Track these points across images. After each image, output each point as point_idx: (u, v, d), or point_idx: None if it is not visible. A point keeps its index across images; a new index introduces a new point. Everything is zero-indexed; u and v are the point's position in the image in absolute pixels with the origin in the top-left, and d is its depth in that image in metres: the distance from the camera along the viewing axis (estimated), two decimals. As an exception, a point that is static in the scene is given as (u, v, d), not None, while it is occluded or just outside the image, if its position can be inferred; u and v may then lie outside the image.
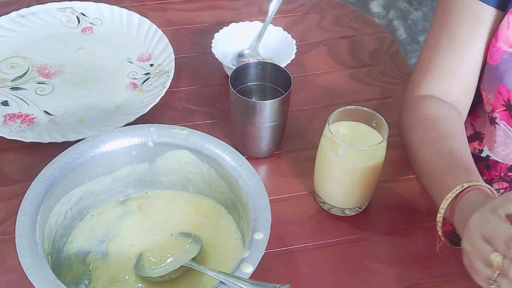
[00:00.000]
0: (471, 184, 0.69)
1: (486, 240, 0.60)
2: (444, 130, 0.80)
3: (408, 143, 0.83)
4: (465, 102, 0.87)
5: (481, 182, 0.70)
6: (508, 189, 0.91)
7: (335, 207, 0.84)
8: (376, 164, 0.79)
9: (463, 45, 0.83)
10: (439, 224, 0.71)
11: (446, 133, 0.79)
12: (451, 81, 0.85)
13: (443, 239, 0.72)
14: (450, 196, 0.69)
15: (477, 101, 0.90)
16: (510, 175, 0.90)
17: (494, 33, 0.81)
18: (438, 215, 0.70)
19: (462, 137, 0.80)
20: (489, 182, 0.93)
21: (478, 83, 0.86)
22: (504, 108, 0.83)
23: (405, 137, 0.84)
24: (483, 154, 0.89)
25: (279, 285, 0.63)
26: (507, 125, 0.84)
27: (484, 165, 0.92)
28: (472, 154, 0.90)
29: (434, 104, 0.84)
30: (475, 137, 0.91)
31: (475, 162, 0.90)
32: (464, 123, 0.90)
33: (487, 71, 0.84)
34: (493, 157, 0.89)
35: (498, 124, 0.85)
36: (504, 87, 0.81)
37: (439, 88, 0.85)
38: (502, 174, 0.91)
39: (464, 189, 0.69)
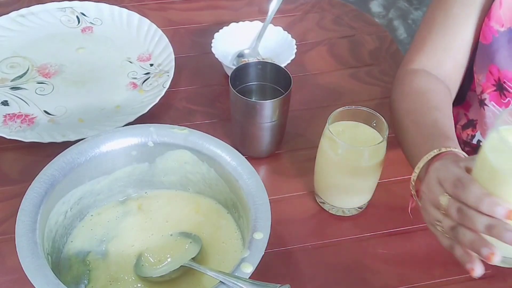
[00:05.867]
0: (448, 149, 0.71)
1: (440, 183, 0.63)
2: (431, 102, 0.82)
3: (396, 112, 0.86)
4: (455, 79, 0.89)
5: (458, 149, 0.72)
6: None
7: (335, 207, 0.84)
8: (376, 164, 0.79)
9: (456, 23, 0.86)
10: (413, 183, 0.72)
11: (432, 104, 0.82)
12: (442, 58, 0.88)
13: (415, 199, 0.73)
14: (427, 157, 0.71)
15: (468, 89, 0.92)
16: None
17: (486, 13, 0.83)
18: (413, 174, 0.72)
19: (447, 110, 0.82)
20: None
21: (471, 65, 0.88)
22: (495, 88, 0.85)
23: (394, 107, 0.87)
24: (474, 140, 0.91)
25: (279, 285, 0.63)
26: (496, 106, 0.86)
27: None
28: (465, 141, 0.91)
29: (425, 77, 0.87)
30: (468, 124, 0.93)
31: (469, 151, 0.91)
32: (458, 114, 0.94)
33: (480, 50, 0.86)
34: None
35: (487, 106, 0.86)
36: (495, 66, 0.83)
37: (431, 63, 0.88)
38: None
39: (441, 152, 0.71)
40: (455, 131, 0.85)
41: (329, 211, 0.85)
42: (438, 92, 0.85)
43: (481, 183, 0.60)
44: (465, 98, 0.93)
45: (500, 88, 0.84)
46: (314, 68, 1.08)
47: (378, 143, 0.77)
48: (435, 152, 0.71)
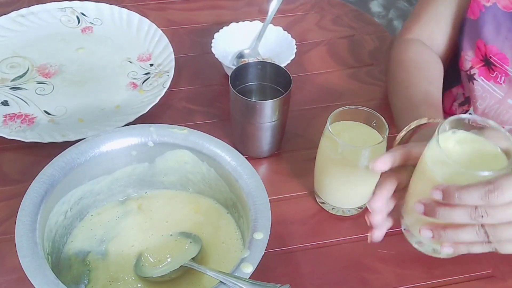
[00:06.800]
0: (433, 120, 0.76)
1: None
2: (424, 74, 0.90)
3: (391, 81, 0.94)
4: (445, 49, 0.97)
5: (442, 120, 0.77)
6: None
7: (335, 207, 0.84)
8: (376, 164, 0.79)
9: None
10: (397, 142, 0.78)
11: (425, 76, 0.89)
12: (433, 29, 0.95)
13: None
14: (416, 123, 0.76)
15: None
16: None
17: None
18: (400, 133, 0.78)
19: (438, 83, 0.90)
20: None
21: (459, 42, 0.93)
22: (483, 63, 0.87)
23: (390, 76, 0.95)
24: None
25: (279, 285, 0.63)
26: (485, 80, 0.88)
27: None
28: None
29: (419, 48, 0.95)
30: (464, 102, 0.97)
31: None
32: (456, 94, 0.99)
33: (468, 26, 0.89)
34: (473, 114, 0.94)
35: (476, 80, 0.90)
36: (482, 41, 0.86)
37: (424, 33, 0.96)
38: None
39: (430, 122, 0.77)
40: (452, 109, 0.95)
41: (329, 211, 0.85)
42: (431, 63, 0.93)
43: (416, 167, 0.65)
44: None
45: (487, 63, 0.86)
46: (314, 68, 1.08)
47: (378, 143, 0.77)
48: (424, 120, 0.76)
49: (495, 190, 0.57)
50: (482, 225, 0.60)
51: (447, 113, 1.01)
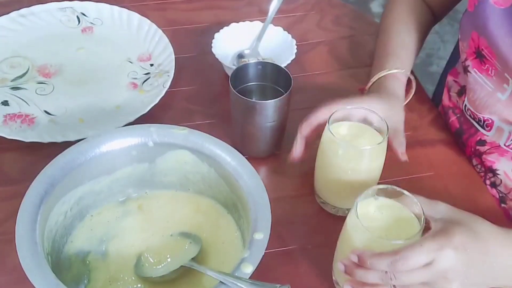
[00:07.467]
0: (395, 71, 0.90)
1: None
2: (405, 25, 0.99)
3: (379, 31, 1.02)
4: (437, 6, 1.04)
5: (404, 70, 0.91)
6: (480, 164, 0.94)
7: (336, 207, 0.84)
8: (376, 164, 0.79)
9: None
10: (366, 91, 0.91)
11: (406, 28, 0.99)
12: None
13: None
14: (378, 75, 0.91)
15: (456, 59, 1.00)
16: (478, 149, 0.93)
17: None
18: (368, 84, 0.92)
19: (418, 34, 0.99)
20: (469, 158, 0.96)
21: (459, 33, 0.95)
22: (475, 55, 0.88)
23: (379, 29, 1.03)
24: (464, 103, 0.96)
25: (279, 285, 0.63)
26: (478, 73, 0.88)
27: (461, 143, 0.97)
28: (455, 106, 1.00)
29: (410, 4, 1.03)
30: (461, 91, 0.97)
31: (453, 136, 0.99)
32: (447, 82, 1.02)
33: (466, 18, 0.89)
34: (468, 106, 0.93)
35: (470, 72, 0.90)
36: (475, 33, 0.86)
37: None
38: (472, 149, 0.94)
39: (390, 73, 0.90)
40: (451, 98, 0.99)
41: (330, 211, 0.85)
42: (419, 15, 1.01)
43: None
44: (455, 66, 1.00)
45: (479, 55, 0.87)
46: (314, 68, 1.08)
47: (378, 143, 0.77)
48: (383, 72, 0.90)
49: (400, 260, 0.64)
50: (394, 286, 0.66)
51: (444, 105, 1.02)
